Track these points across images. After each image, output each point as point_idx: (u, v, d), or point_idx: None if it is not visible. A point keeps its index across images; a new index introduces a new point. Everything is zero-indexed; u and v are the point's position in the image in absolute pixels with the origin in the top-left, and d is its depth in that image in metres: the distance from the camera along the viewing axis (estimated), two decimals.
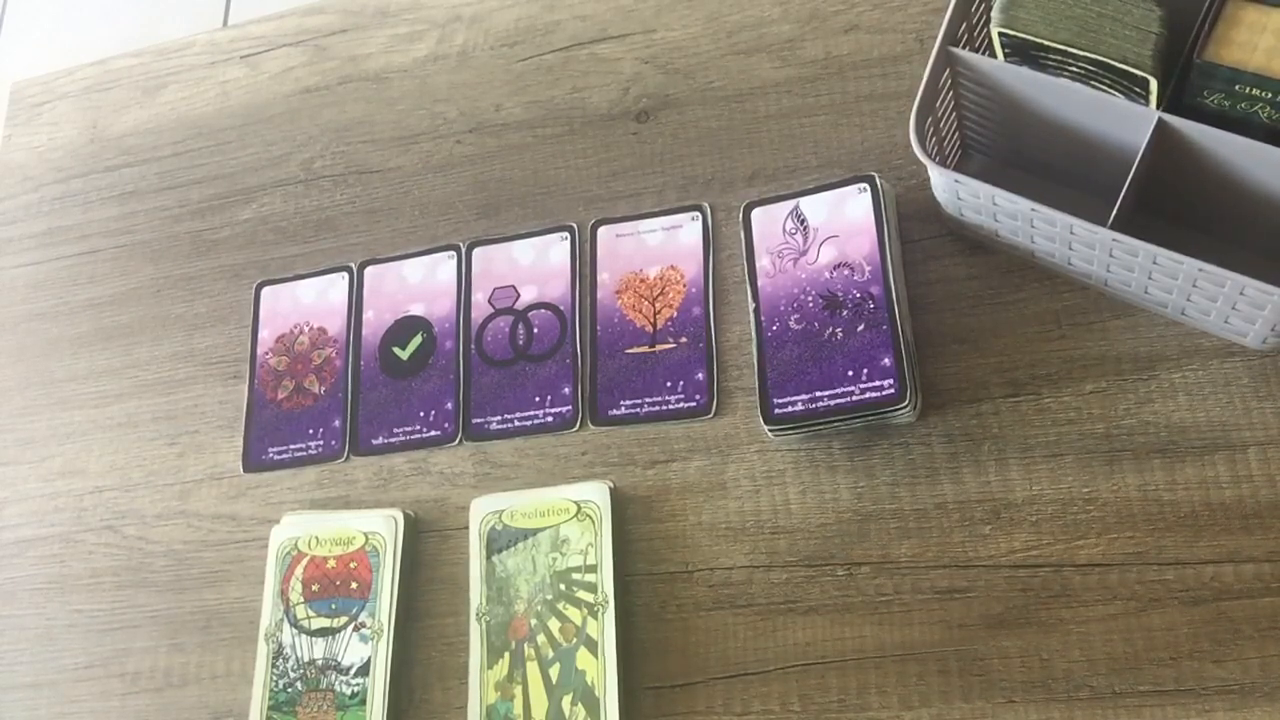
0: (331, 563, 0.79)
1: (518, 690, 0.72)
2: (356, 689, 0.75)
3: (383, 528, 0.79)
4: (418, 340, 0.86)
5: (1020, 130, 0.71)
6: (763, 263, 0.76)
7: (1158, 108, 0.62)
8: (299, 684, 0.77)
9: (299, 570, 0.80)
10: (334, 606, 0.77)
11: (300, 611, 0.79)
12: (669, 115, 0.86)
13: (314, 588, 0.79)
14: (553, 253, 0.85)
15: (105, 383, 0.94)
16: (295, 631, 0.78)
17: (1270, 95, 0.59)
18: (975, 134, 0.75)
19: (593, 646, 0.71)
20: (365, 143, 0.95)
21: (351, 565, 0.78)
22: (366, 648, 0.76)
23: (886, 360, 0.70)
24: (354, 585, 0.78)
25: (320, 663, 0.77)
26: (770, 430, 0.72)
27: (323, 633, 0.77)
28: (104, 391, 0.94)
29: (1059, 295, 0.72)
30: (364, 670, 0.75)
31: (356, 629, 0.77)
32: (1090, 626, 0.65)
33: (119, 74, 1.07)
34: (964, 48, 0.68)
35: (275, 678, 0.78)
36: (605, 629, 0.71)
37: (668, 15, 0.89)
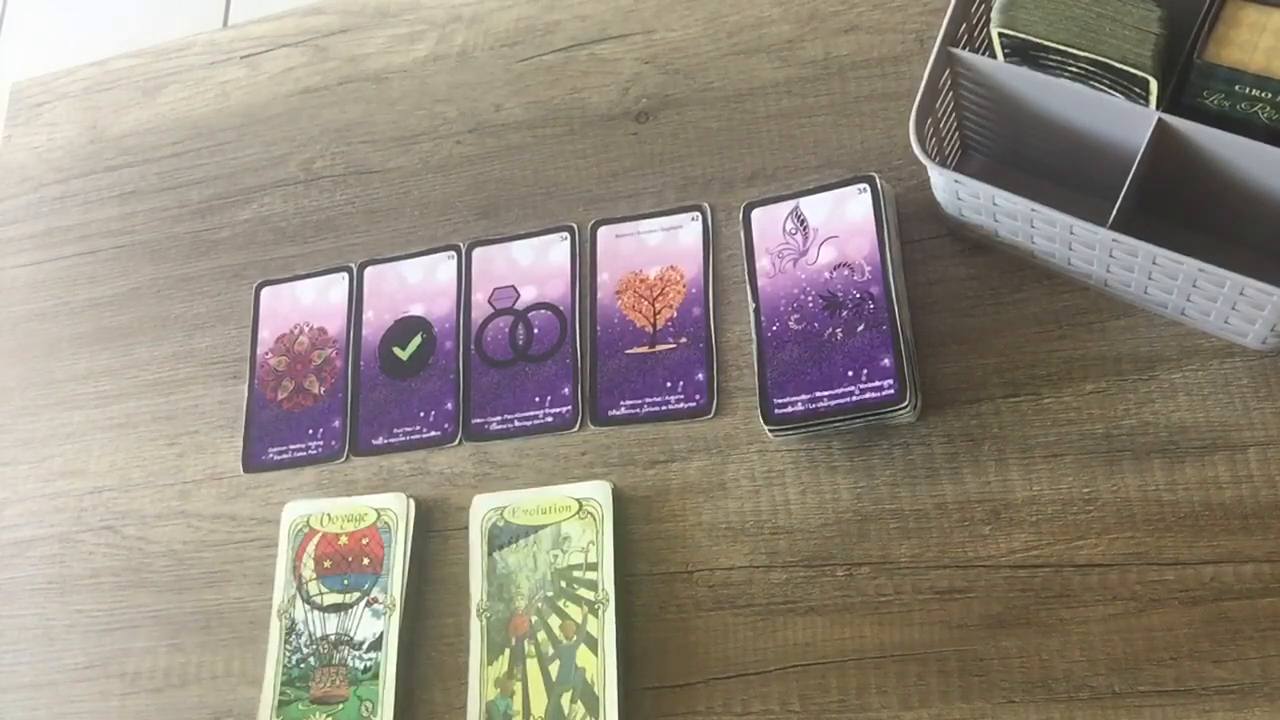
0: (344, 539, 0.79)
1: (517, 687, 0.72)
2: (369, 663, 0.75)
3: (394, 505, 0.79)
4: (418, 340, 0.86)
5: (1020, 130, 0.71)
6: (763, 263, 0.76)
7: (1158, 108, 0.62)
8: (312, 659, 0.77)
9: (311, 547, 0.80)
10: (346, 582, 0.78)
11: (313, 588, 0.79)
12: (669, 115, 0.86)
13: (326, 564, 0.79)
14: (552, 253, 0.85)
15: (105, 383, 0.94)
16: (308, 608, 0.78)
17: (1270, 95, 0.59)
18: (975, 134, 0.75)
19: (593, 644, 0.71)
20: (365, 143, 0.95)
21: (364, 541, 0.79)
22: (379, 622, 0.76)
23: (886, 360, 0.70)
24: (366, 561, 0.78)
25: (333, 638, 0.77)
26: (770, 430, 0.72)
27: (335, 608, 0.78)
28: (104, 391, 0.94)
29: (1059, 295, 0.72)
30: (376, 645, 0.76)
31: (369, 604, 0.77)
32: (1090, 626, 0.65)
33: (119, 74, 1.07)
34: (964, 48, 0.68)
35: (288, 654, 0.78)
36: (605, 627, 0.71)
37: (668, 15, 0.89)
